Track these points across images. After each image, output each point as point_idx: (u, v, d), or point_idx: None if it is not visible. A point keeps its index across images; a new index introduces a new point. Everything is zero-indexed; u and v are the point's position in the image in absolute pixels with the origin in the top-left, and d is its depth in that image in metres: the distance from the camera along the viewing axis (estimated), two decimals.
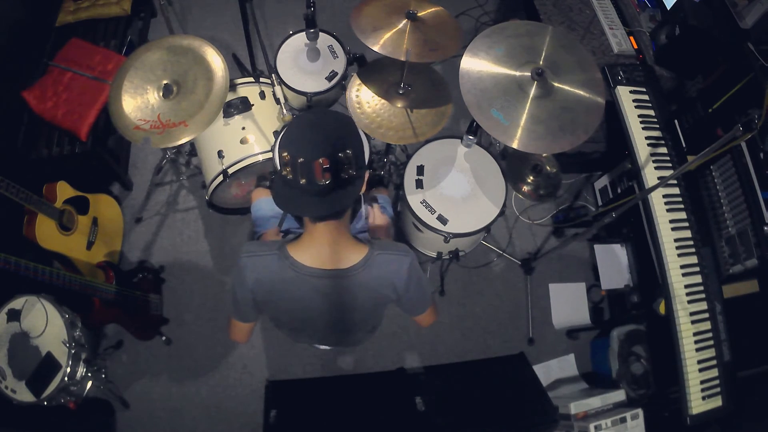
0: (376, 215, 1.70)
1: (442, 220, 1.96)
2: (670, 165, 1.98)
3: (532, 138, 1.53)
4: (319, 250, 1.18)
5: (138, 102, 1.69)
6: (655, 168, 1.97)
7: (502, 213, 1.98)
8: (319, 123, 1.10)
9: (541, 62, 1.61)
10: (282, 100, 1.82)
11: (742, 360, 1.77)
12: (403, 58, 1.65)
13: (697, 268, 1.83)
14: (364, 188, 1.16)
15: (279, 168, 1.12)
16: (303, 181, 1.06)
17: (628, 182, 2.32)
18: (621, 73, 2.12)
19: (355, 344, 1.77)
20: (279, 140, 1.16)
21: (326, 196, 1.08)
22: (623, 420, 1.97)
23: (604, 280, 2.43)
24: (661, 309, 1.85)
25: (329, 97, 2.32)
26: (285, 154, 1.07)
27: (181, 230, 2.54)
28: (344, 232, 1.20)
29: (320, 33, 2.19)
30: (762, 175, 1.73)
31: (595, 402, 2.07)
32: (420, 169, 2.05)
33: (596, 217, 2.43)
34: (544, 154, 2.13)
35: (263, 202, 1.79)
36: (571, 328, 2.50)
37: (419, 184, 2.02)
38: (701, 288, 1.81)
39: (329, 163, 1.04)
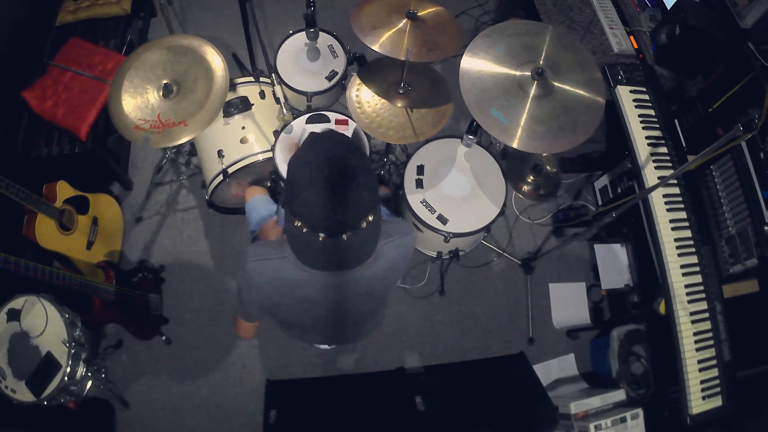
0: None
1: (442, 219, 1.96)
2: (670, 165, 1.98)
3: (532, 138, 1.53)
4: None
5: (138, 101, 1.69)
6: (655, 168, 1.97)
7: (502, 213, 1.98)
8: (337, 187, 1.00)
9: (541, 62, 1.61)
10: (282, 100, 1.82)
11: (742, 360, 1.76)
12: (403, 58, 1.65)
13: (697, 268, 1.83)
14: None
15: (292, 222, 1.06)
16: (322, 237, 1.03)
17: (628, 182, 2.32)
18: (621, 73, 2.12)
19: (362, 337, 1.77)
20: (287, 196, 1.06)
21: (347, 247, 1.06)
22: (623, 420, 1.97)
23: (604, 279, 2.43)
24: (661, 309, 1.85)
25: (329, 97, 2.32)
26: (299, 224, 1.02)
27: (181, 230, 2.54)
28: None
29: (320, 32, 2.19)
30: (762, 174, 1.72)
31: (595, 402, 2.07)
32: (420, 169, 2.05)
33: (596, 216, 2.42)
34: (545, 154, 2.13)
35: (258, 201, 1.79)
36: (571, 327, 2.50)
37: (419, 184, 2.02)
38: (701, 288, 1.81)
39: (352, 232, 1.03)
